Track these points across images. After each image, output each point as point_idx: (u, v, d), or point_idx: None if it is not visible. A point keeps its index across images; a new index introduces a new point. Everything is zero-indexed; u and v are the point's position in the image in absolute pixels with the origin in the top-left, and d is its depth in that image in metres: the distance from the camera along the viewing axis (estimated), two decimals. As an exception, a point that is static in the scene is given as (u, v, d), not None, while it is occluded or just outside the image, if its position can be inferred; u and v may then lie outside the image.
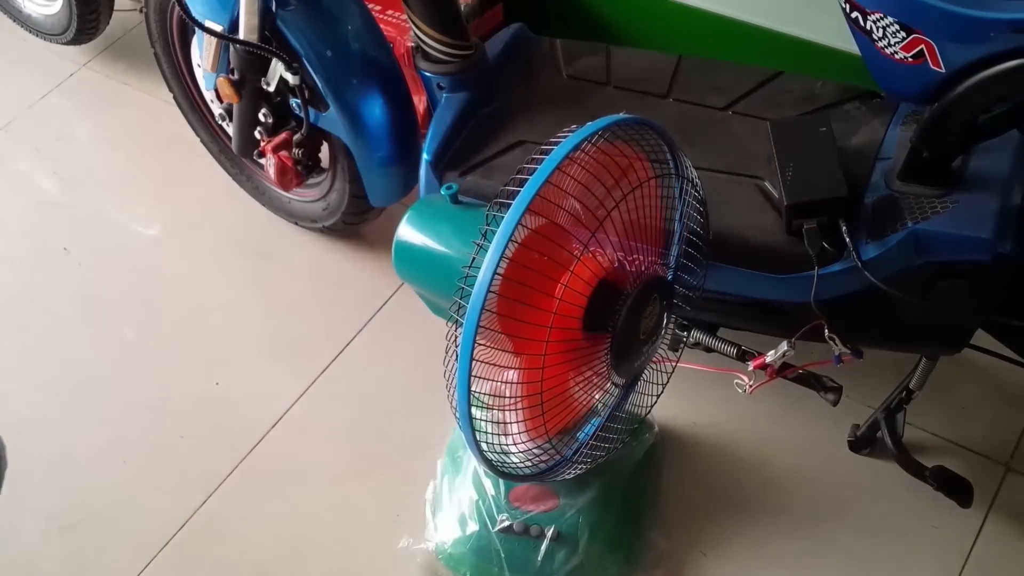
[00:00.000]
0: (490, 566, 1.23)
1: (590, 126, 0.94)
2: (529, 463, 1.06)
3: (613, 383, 1.07)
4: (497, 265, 0.88)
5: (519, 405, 0.99)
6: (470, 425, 0.95)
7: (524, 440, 1.03)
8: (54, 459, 1.46)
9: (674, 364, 1.17)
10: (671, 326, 1.11)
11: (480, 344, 0.91)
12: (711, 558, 1.28)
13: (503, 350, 0.96)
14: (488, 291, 0.88)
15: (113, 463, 1.44)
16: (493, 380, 0.97)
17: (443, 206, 1.14)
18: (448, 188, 1.10)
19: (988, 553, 1.27)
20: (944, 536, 1.28)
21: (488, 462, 1.02)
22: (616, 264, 0.99)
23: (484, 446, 1.00)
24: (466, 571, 1.25)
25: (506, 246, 0.88)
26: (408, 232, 1.15)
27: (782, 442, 1.38)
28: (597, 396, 1.07)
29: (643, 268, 1.01)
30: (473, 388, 0.92)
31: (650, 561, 1.26)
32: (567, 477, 1.13)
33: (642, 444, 1.30)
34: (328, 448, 1.44)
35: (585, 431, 1.12)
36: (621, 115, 0.96)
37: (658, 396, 1.18)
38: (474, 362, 0.90)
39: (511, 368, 0.97)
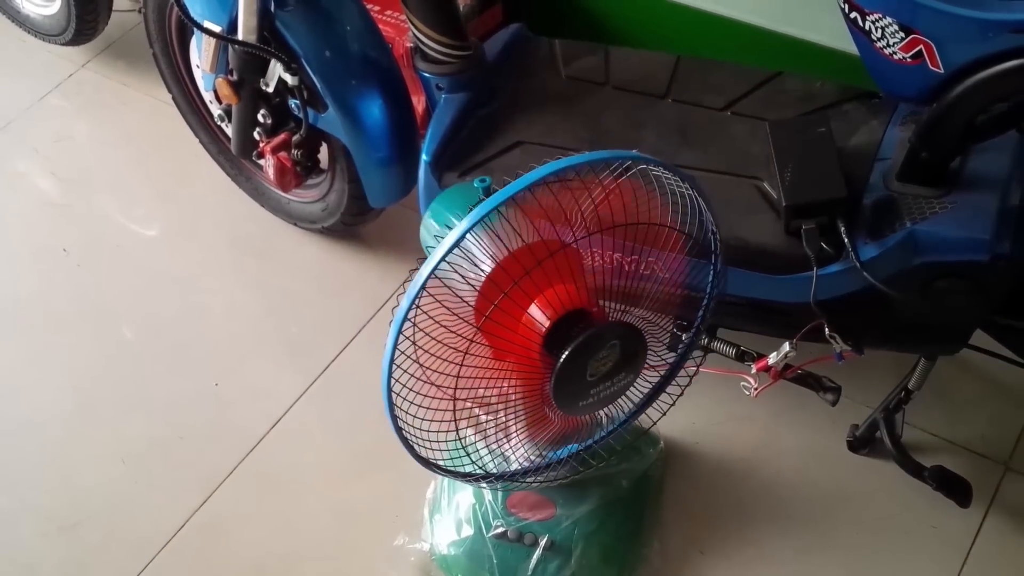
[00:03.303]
0: (482, 571, 1.23)
1: (613, 155, 0.90)
2: (449, 459, 1.04)
3: (549, 407, 1.03)
4: (438, 264, 0.86)
5: (451, 395, 0.96)
6: (388, 398, 0.93)
7: (445, 432, 1.00)
8: (53, 460, 1.46)
9: (681, 390, 1.15)
10: (634, 379, 1.05)
11: (445, 330, 0.89)
12: (709, 556, 1.28)
13: (453, 340, 0.93)
14: (429, 276, 0.86)
15: (112, 464, 1.45)
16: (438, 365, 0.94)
17: (475, 197, 1.12)
18: (482, 181, 1.08)
19: (987, 552, 1.27)
20: (943, 536, 1.28)
21: (406, 443, 1.00)
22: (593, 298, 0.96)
23: (404, 425, 0.98)
24: (458, 574, 1.25)
25: (453, 247, 0.85)
26: (439, 208, 1.12)
27: (781, 442, 1.38)
28: (523, 414, 1.03)
29: (613, 313, 0.97)
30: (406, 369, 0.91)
31: (644, 577, 1.25)
32: (515, 486, 1.12)
33: (645, 459, 1.29)
34: (328, 448, 1.44)
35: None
36: (655, 160, 0.92)
37: (663, 413, 1.16)
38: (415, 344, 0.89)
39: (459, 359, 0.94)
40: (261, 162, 1.47)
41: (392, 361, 0.91)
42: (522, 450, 1.09)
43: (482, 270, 0.91)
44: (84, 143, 1.91)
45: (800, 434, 1.39)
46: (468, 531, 1.24)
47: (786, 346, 1.12)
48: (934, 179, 1.08)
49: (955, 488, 1.28)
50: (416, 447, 1.01)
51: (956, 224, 1.05)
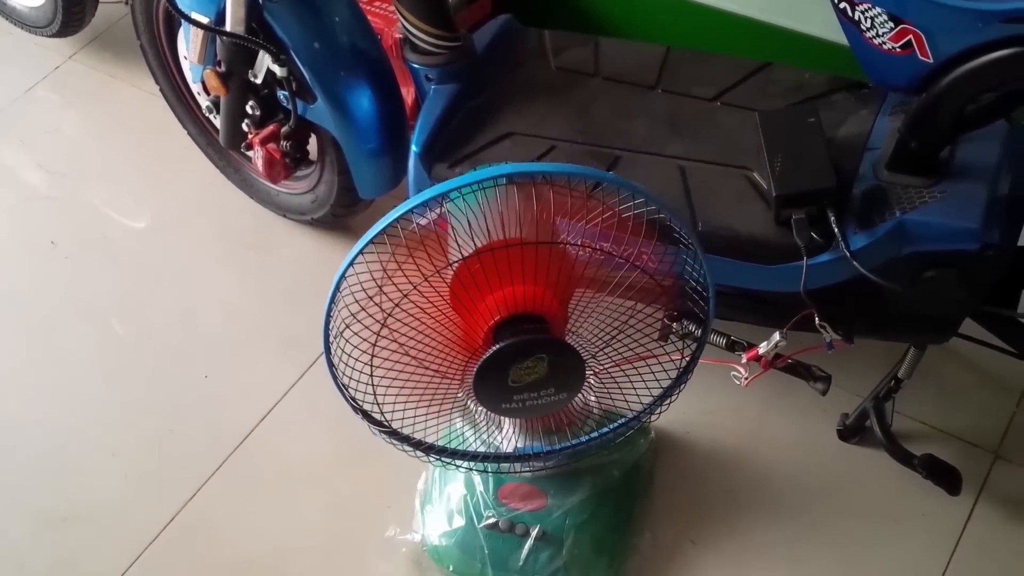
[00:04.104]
0: (473, 561, 1.23)
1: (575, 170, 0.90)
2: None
3: (467, 399, 1.03)
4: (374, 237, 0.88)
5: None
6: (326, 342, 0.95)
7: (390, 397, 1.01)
8: (42, 455, 1.45)
9: (676, 392, 1.14)
10: (568, 399, 1.03)
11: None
12: (700, 546, 1.29)
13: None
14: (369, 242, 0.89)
15: (102, 458, 1.44)
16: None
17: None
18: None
19: (977, 539, 1.27)
20: (933, 523, 1.29)
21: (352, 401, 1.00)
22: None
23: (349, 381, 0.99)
24: (450, 564, 1.25)
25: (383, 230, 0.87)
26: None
27: (771, 431, 1.39)
28: (439, 398, 1.03)
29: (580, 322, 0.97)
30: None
31: (634, 567, 1.25)
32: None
33: (636, 449, 1.30)
34: (320, 439, 1.44)
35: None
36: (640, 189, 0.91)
37: (655, 410, 1.15)
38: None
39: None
40: (250, 154, 1.47)
41: (330, 313, 0.93)
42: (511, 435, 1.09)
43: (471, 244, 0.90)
44: (72, 135, 1.90)
45: (790, 423, 1.39)
46: (459, 522, 1.24)
47: (776, 336, 1.12)
48: (923, 169, 1.08)
49: (945, 476, 1.28)
50: (349, 392, 1.02)
51: (945, 213, 1.05)
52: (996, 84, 1.01)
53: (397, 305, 0.91)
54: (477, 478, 1.24)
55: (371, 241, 0.90)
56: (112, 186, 1.79)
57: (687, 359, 1.07)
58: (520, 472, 1.20)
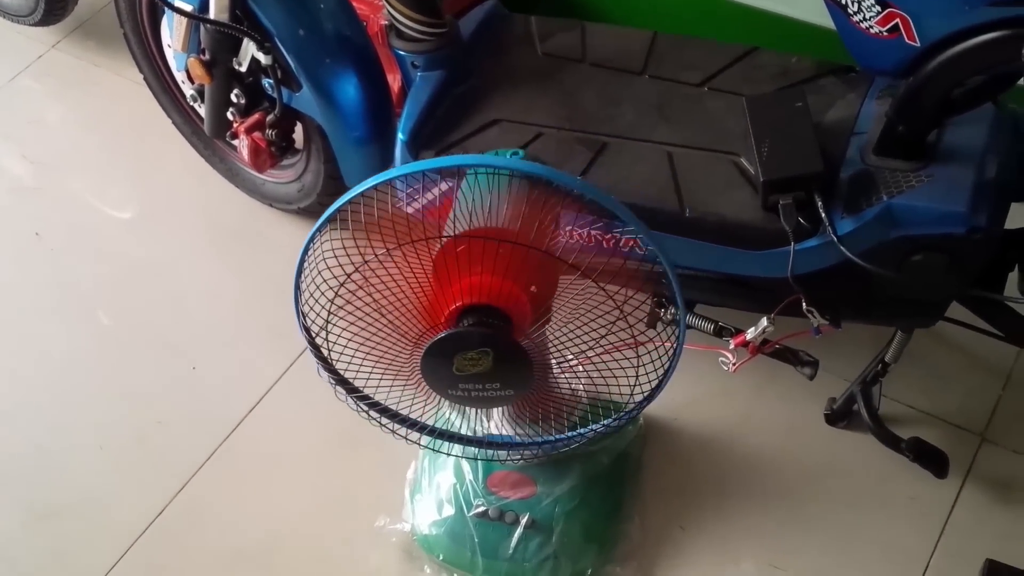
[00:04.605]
0: (463, 550, 1.23)
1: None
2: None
3: (413, 376, 1.03)
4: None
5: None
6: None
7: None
8: (30, 447, 1.44)
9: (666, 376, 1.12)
10: (514, 396, 1.02)
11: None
12: (689, 532, 1.29)
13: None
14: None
15: (90, 450, 1.43)
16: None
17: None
18: (515, 153, 1.06)
19: (964, 521, 1.28)
20: (921, 506, 1.30)
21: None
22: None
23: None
24: (440, 553, 1.25)
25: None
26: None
27: (759, 417, 1.39)
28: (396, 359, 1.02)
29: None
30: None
31: (624, 553, 1.26)
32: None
33: (625, 436, 1.30)
34: (308, 430, 1.43)
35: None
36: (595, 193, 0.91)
37: (640, 394, 1.13)
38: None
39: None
40: (235, 143, 1.46)
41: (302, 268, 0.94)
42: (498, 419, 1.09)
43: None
44: (55, 125, 1.88)
45: (778, 408, 1.39)
46: (449, 511, 1.24)
47: (764, 321, 1.12)
48: (911, 153, 1.08)
49: (932, 459, 1.29)
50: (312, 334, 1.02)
51: (933, 197, 1.05)
52: (983, 67, 1.01)
53: (377, 259, 0.91)
54: (466, 467, 1.24)
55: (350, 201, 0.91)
56: (97, 176, 1.78)
57: (671, 348, 1.06)
58: (508, 461, 1.20)
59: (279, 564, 1.31)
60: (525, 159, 1.00)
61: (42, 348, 1.56)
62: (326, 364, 1.08)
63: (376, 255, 0.91)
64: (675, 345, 1.02)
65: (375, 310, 0.96)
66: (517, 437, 1.14)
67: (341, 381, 1.09)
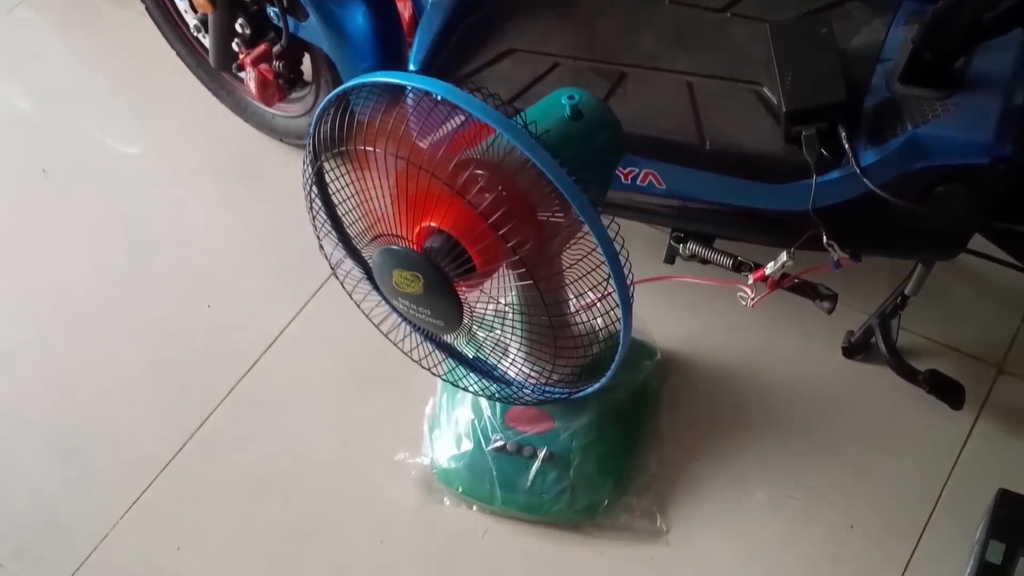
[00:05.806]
0: (482, 482, 1.24)
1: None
2: None
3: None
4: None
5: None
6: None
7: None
8: (49, 384, 1.45)
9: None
10: (446, 328, 1.03)
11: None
12: (705, 464, 1.30)
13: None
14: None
15: (110, 386, 1.44)
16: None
17: (562, 112, 1.05)
18: (571, 98, 1.03)
19: (978, 453, 1.29)
20: (935, 437, 1.30)
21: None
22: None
23: None
24: (459, 486, 1.27)
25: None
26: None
27: (777, 350, 1.39)
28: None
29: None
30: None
31: (640, 485, 1.27)
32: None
33: (642, 370, 1.30)
34: (326, 366, 1.44)
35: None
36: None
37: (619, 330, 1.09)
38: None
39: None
40: (242, 75, 1.43)
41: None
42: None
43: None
44: (57, 58, 1.85)
45: (796, 342, 1.39)
46: (468, 445, 1.25)
47: (783, 255, 1.11)
48: (937, 80, 1.05)
49: (948, 391, 1.29)
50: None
51: (958, 127, 1.03)
52: (1015, -10, 0.98)
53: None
54: (484, 403, 1.25)
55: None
56: (102, 111, 1.75)
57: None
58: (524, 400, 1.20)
59: (302, 492, 1.33)
60: (579, 104, 0.98)
61: (56, 286, 1.55)
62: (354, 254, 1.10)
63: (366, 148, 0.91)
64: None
65: (360, 191, 0.98)
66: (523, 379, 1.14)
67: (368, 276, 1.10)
